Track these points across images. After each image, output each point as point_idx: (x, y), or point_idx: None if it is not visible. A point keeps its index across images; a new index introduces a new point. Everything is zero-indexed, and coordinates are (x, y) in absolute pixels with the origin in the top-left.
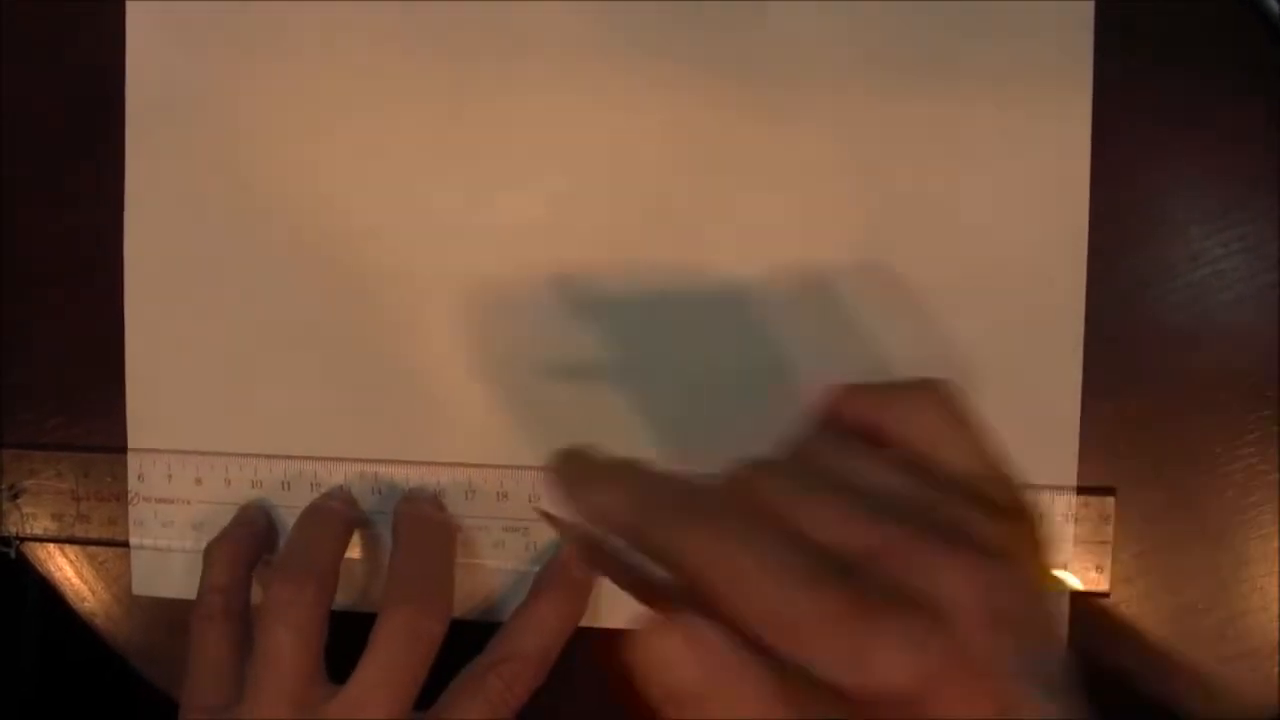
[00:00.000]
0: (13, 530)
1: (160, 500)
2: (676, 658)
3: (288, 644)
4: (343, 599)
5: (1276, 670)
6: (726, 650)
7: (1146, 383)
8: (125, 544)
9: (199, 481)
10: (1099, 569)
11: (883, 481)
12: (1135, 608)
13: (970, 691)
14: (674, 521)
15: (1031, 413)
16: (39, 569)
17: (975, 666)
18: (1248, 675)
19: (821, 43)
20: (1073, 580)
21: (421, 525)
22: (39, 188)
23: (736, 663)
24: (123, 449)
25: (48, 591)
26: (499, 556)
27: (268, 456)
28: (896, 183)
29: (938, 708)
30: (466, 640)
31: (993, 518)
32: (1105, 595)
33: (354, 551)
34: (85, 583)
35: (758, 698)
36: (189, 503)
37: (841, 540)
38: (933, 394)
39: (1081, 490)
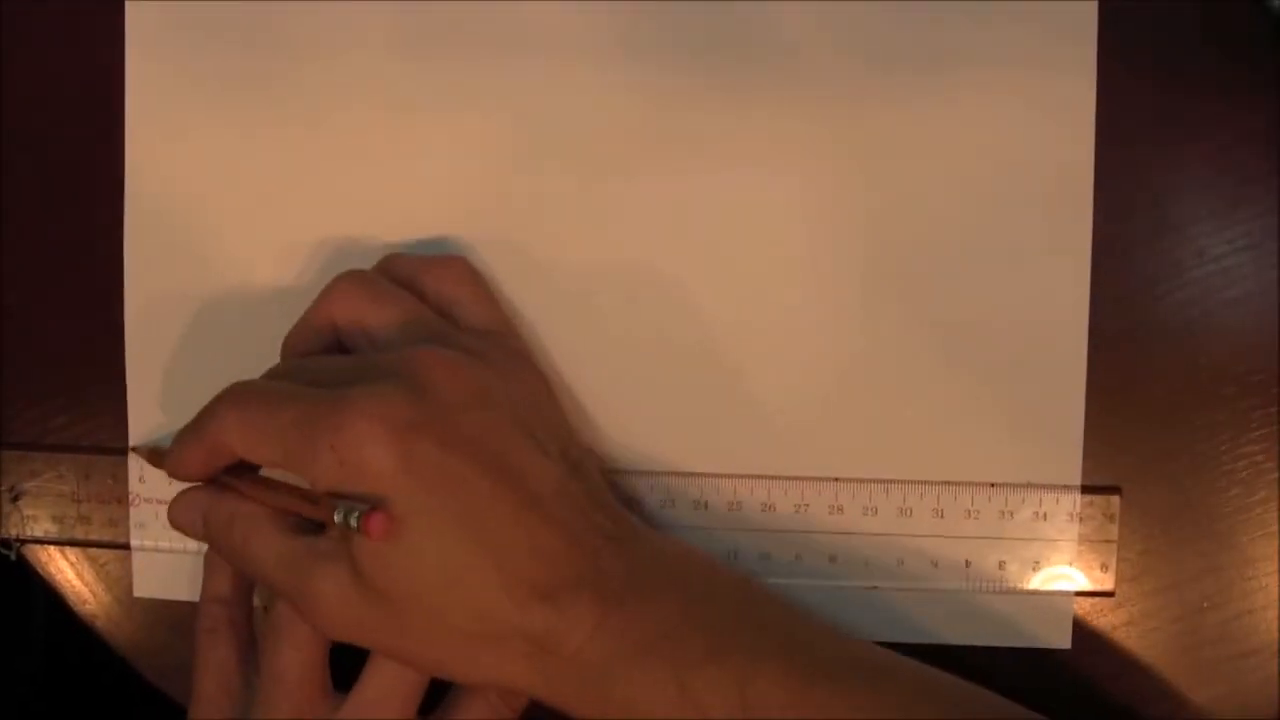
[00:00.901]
0: (13, 532)
1: (162, 502)
2: (180, 519)
3: (293, 662)
4: None
5: (1279, 669)
6: (213, 503)
7: (1150, 381)
8: (126, 546)
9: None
10: (1104, 568)
11: (398, 321)
12: (1140, 606)
13: (444, 453)
14: (210, 411)
15: (1036, 412)
16: (40, 571)
17: (449, 435)
18: (1251, 673)
19: (824, 41)
20: (1078, 579)
21: None
22: (40, 188)
23: (223, 507)
24: (125, 450)
25: (49, 594)
26: None
27: None
28: (900, 182)
29: (417, 475)
30: None
31: (489, 343)
32: (1110, 594)
33: None
34: (86, 585)
35: (253, 526)
36: None
37: (340, 365)
38: (460, 265)
39: (1086, 489)
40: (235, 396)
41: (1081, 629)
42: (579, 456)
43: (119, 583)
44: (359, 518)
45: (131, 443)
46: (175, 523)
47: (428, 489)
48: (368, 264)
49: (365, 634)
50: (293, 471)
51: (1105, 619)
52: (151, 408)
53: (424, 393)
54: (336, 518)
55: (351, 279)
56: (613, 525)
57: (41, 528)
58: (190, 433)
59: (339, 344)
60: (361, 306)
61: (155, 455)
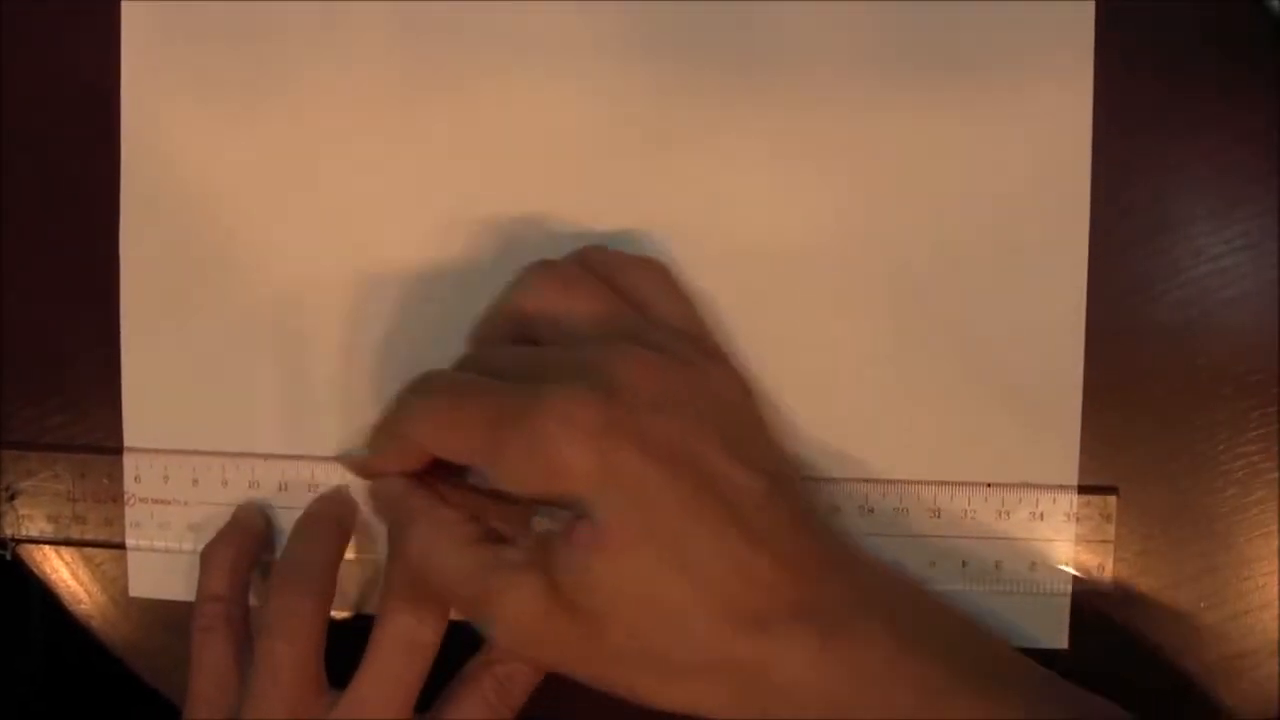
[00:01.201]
0: (8, 532)
1: (157, 501)
2: (375, 505)
3: (287, 656)
4: (341, 604)
5: (1278, 669)
6: (404, 496)
7: (1148, 381)
8: (122, 546)
9: (196, 482)
10: (1101, 568)
11: (593, 314)
12: (1137, 606)
13: (644, 460)
14: (399, 404)
15: (1033, 411)
16: (35, 571)
17: (647, 440)
18: (1249, 674)
19: (820, 43)
20: (1075, 579)
21: None
22: (35, 188)
23: (412, 504)
24: (121, 449)
25: (44, 594)
26: None
27: (265, 457)
28: (896, 182)
29: (617, 482)
30: (465, 642)
31: (686, 343)
32: (1107, 594)
33: (351, 554)
34: (81, 585)
35: (439, 530)
36: (186, 504)
37: (531, 359)
38: (659, 266)
39: (1083, 489)
40: (424, 389)
41: (1078, 629)
42: (782, 469)
43: (114, 582)
44: (564, 524)
45: (127, 444)
46: (373, 506)
47: (628, 497)
48: (362, 262)
49: (553, 651)
50: (483, 469)
51: (1102, 619)
52: (147, 408)
53: (620, 393)
54: (538, 523)
55: (546, 268)
56: (823, 547)
57: (37, 527)
58: (381, 427)
59: (529, 334)
60: (555, 297)
61: (354, 464)
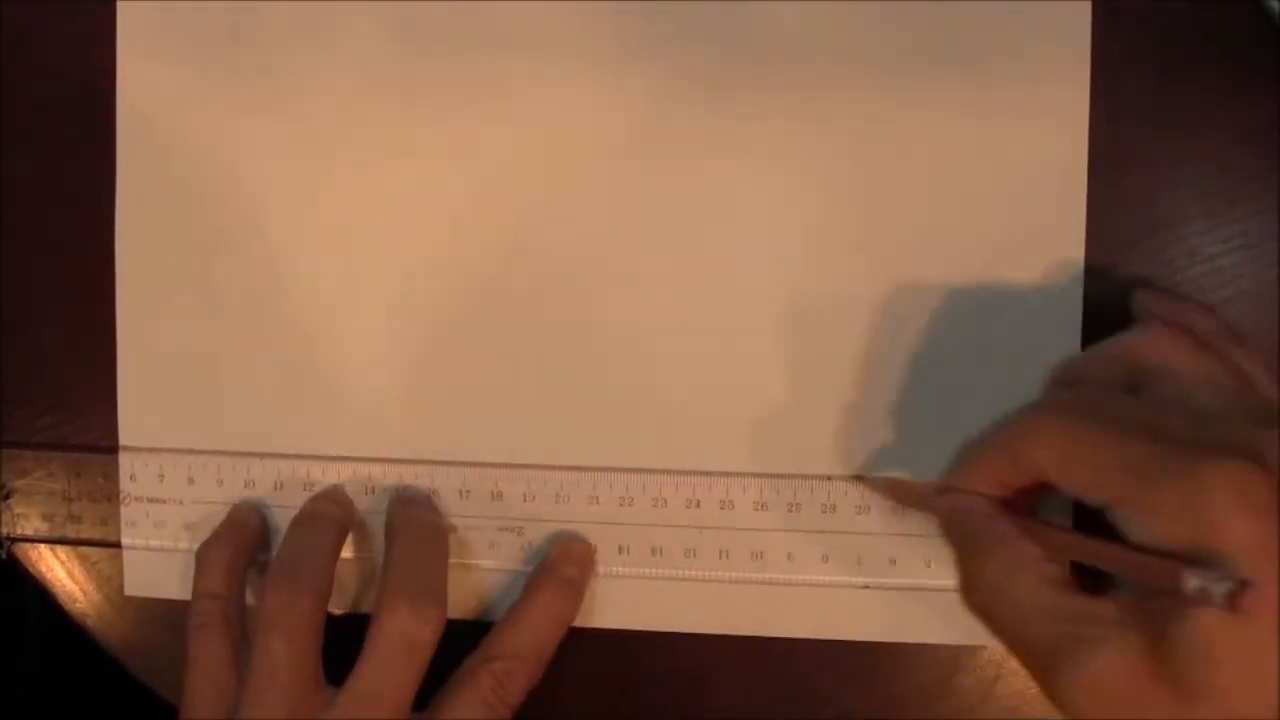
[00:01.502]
0: (4, 531)
1: (152, 500)
2: (943, 517)
3: (284, 654)
4: (337, 602)
5: None
6: (986, 516)
7: None
8: (117, 545)
9: (191, 481)
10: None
11: (1217, 382)
12: None
13: None
14: (1027, 425)
15: None
16: (30, 570)
17: None
18: None
19: (817, 42)
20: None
21: (416, 528)
22: (31, 187)
23: (993, 520)
24: (116, 448)
25: (40, 593)
26: (493, 556)
27: (261, 456)
28: (892, 182)
29: (1270, 558)
30: (462, 640)
31: None
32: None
33: (348, 552)
34: (77, 584)
35: (1022, 563)
36: (181, 503)
37: (1173, 420)
38: (1257, 347)
39: None
40: (1064, 416)
41: None
42: None
43: (110, 581)
44: (1227, 590)
45: (123, 443)
46: (941, 521)
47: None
48: (362, 261)
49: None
50: (1121, 510)
51: None
52: (143, 407)
53: None
54: (1190, 582)
55: (1171, 323)
56: None
57: (32, 526)
58: (990, 442)
59: (1135, 381)
60: (1183, 358)
61: (896, 488)
